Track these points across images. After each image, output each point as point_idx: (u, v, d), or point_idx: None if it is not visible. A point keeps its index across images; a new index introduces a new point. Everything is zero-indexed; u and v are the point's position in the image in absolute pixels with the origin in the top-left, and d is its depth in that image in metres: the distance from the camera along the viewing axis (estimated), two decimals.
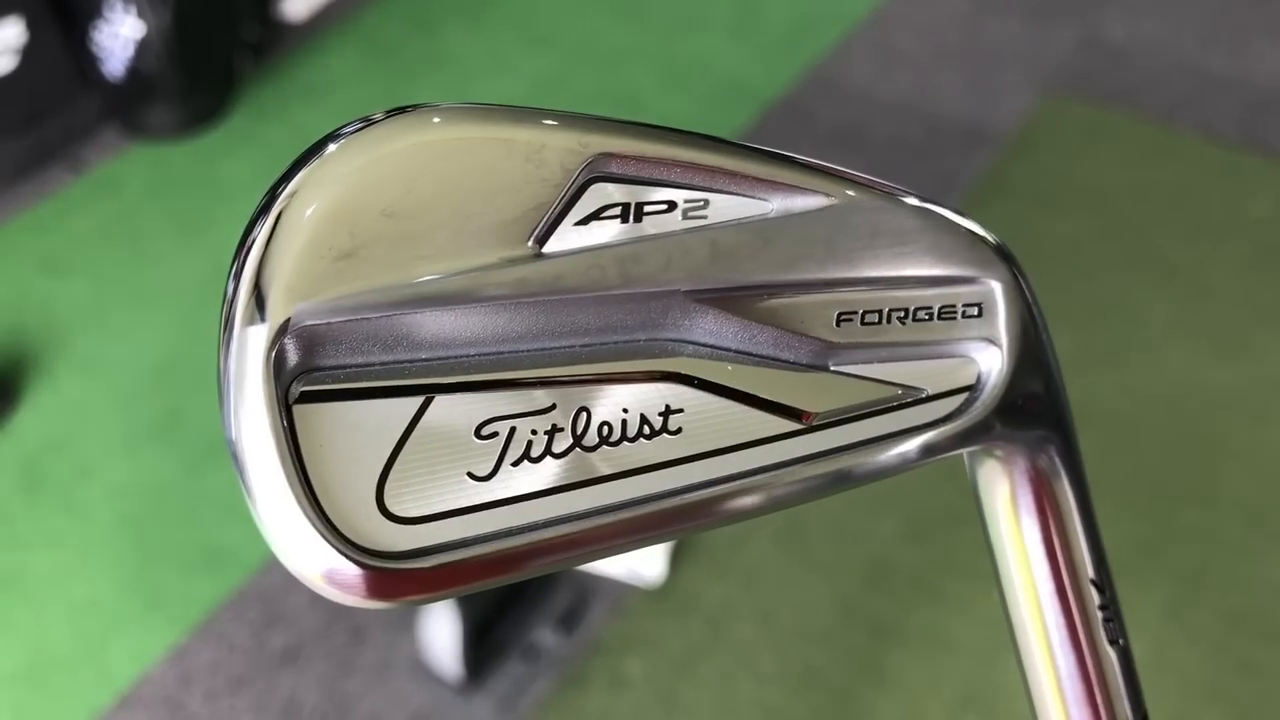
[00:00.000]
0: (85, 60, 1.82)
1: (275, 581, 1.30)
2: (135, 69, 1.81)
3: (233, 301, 0.25)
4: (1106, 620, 0.34)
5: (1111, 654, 0.34)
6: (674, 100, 2.01)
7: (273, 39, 2.07)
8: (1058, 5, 2.18)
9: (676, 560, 1.29)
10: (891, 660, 1.23)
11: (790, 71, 2.06)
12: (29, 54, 1.75)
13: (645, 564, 1.27)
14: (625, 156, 0.28)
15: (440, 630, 1.18)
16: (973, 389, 0.32)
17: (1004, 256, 0.32)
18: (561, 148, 0.27)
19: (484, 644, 1.21)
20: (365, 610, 0.27)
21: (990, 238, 0.32)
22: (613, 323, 0.28)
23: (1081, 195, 1.80)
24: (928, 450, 0.31)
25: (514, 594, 1.24)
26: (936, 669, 1.22)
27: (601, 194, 0.28)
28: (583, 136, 0.27)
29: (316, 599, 1.28)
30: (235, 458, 0.25)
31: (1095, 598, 0.34)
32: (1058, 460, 0.34)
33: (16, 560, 1.34)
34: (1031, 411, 0.33)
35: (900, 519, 1.34)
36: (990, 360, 0.32)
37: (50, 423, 1.48)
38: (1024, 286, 0.32)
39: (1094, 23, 2.14)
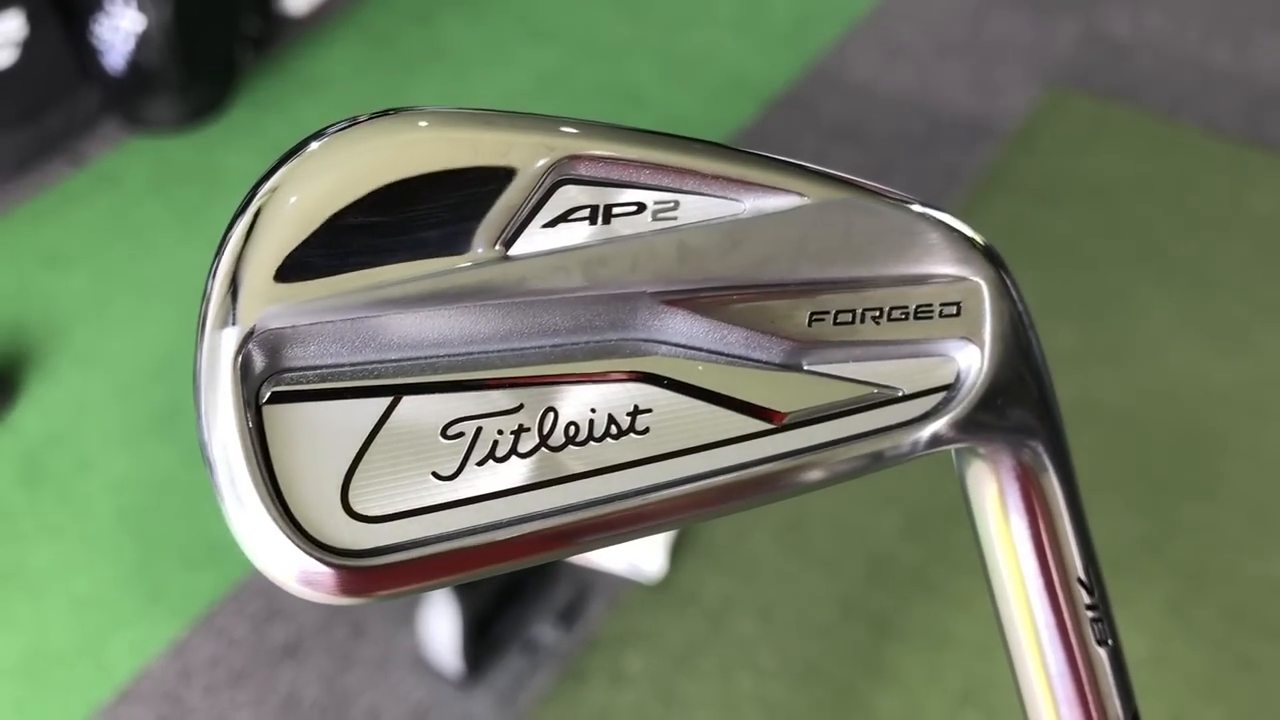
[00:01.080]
0: (85, 53, 1.82)
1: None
2: (136, 62, 1.81)
3: (206, 303, 0.25)
4: (1095, 620, 0.34)
5: (1101, 654, 0.34)
6: (676, 95, 2.01)
7: (273, 32, 2.07)
8: None
9: (676, 555, 1.29)
10: (891, 655, 1.23)
11: (792, 66, 2.06)
12: (29, 47, 1.75)
13: (645, 559, 1.27)
14: (592, 159, 0.28)
15: (440, 625, 1.18)
16: (951, 388, 0.32)
17: (987, 254, 0.32)
18: (528, 151, 0.27)
19: (484, 639, 1.21)
20: (334, 606, 0.27)
21: (973, 236, 0.32)
22: (580, 324, 0.28)
23: (1084, 190, 1.80)
24: (905, 449, 0.31)
25: (514, 589, 1.24)
26: (936, 664, 1.22)
27: (569, 196, 0.28)
28: (549, 139, 0.27)
29: None
30: (206, 460, 0.25)
31: (1084, 597, 0.33)
32: (1046, 459, 0.33)
33: (16, 554, 1.34)
34: (1016, 411, 0.32)
35: (901, 514, 1.34)
36: (969, 359, 0.32)
37: (50, 416, 1.48)
38: (1008, 284, 0.32)
39: (1097, 17, 2.14)
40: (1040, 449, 0.33)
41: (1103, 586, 0.34)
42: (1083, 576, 0.34)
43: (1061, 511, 0.33)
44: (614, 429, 0.28)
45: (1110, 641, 0.34)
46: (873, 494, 1.35)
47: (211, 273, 0.26)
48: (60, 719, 1.20)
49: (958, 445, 0.32)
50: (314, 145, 0.26)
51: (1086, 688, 0.34)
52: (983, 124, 1.91)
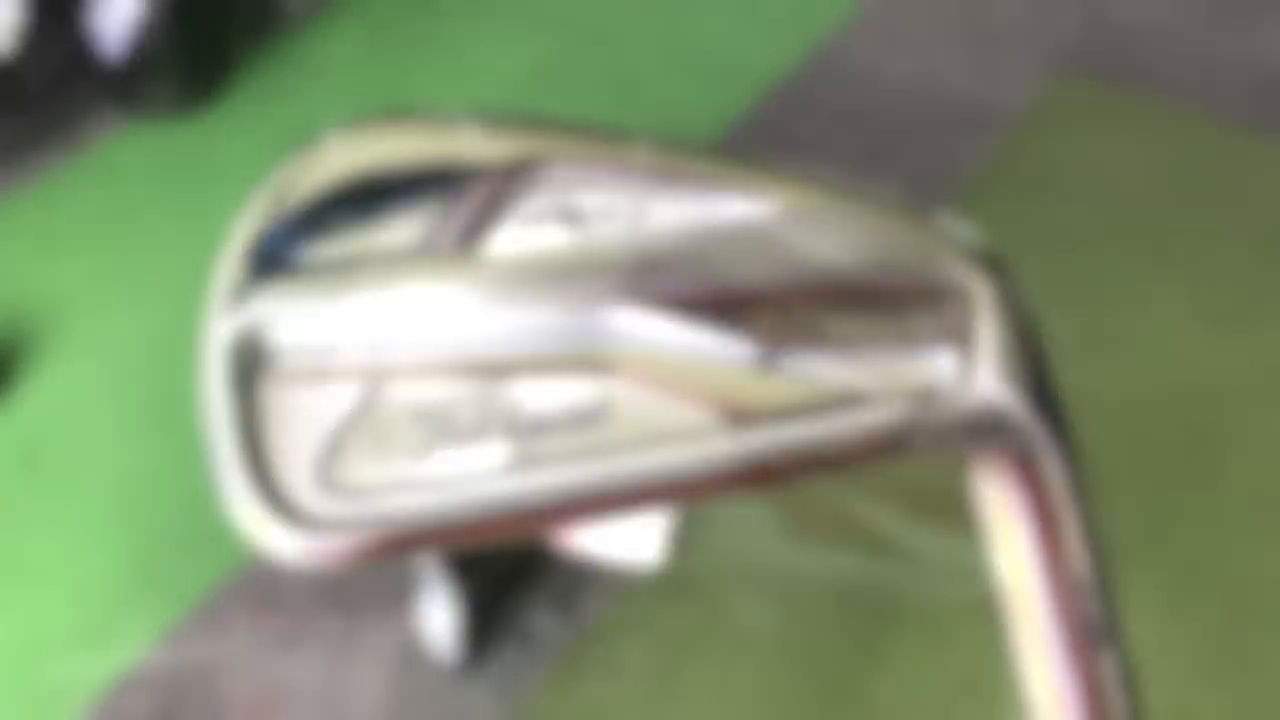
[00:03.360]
0: (83, 40, 1.81)
1: (274, 564, 1.30)
2: (133, 49, 1.80)
3: (211, 291, 0.31)
4: (1099, 626, 0.33)
5: (1106, 658, 0.33)
6: (675, 82, 2.00)
7: (272, 19, 2.06)
8: None
9: (675, 543, 1.29)
10: (892, 643, 1.23)
11: (792, 53, 2.05)
12: (26, 34, 1.74)
13: (644, 546, 1.27)
14: (561, 162, 0.30)
15: (437, 614, 1.18)
16: (927, 394, 0.31)
17: (980, 259, 0.31)
18: (497, 154, 0.29)
19: (480, 628, 1.20)
20: (314, 571, 0.33)
21: (967, 240, 0.31)
22: (545, 321, 0.30)
23: (1086, 177, 1.79)
24: (880, 452, 0.31)
25: (511, 578, 1.24)
26: (937, 653, 1.22)
27: (536, 200, 0.30)
28: (518, 143, 0.30)
29: (315, 582, 1.28)
30: (208, 439, 0.30)
31: (1085, 604, 0.33)
32: (1052, 465, 0.32)
33: (14, 542, 1.34)
34: (1011, 418, 0.31)
35: (900, 502, 1.33)
36: (949, 365, 0.31)
37: (48, 404, 1.48)
38: (1005, 290, 0.31)
39: (1101, 2, 2.13)
40: (1043, 457, 0.32)
41: (1109, 590, 0.34)
42: (1087, 583, 0.33)
43: (1068, 517, 0.33)
44: (575, 420, 0.30)
45: (1116, 647, 0.33)
46: (871, 480, 1.35)
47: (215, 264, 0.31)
48: (58, 708, 1.20)
49: (946, 449, 0.32)
50: (310, 148, 0.30)
51: (1091, 692, 0.34)
52: (984, 111, 1.90)
